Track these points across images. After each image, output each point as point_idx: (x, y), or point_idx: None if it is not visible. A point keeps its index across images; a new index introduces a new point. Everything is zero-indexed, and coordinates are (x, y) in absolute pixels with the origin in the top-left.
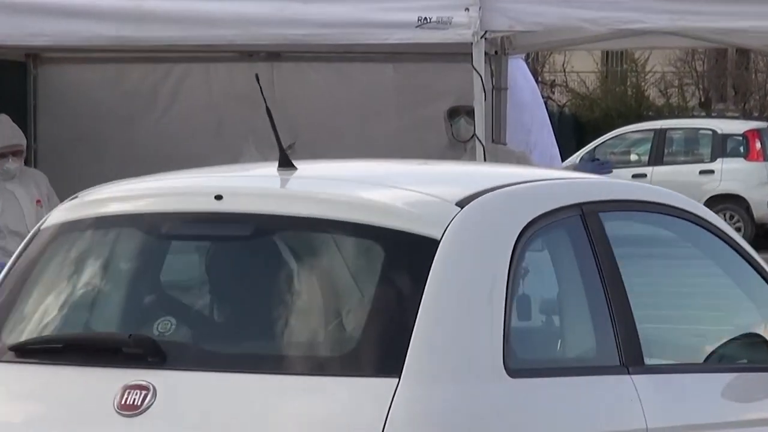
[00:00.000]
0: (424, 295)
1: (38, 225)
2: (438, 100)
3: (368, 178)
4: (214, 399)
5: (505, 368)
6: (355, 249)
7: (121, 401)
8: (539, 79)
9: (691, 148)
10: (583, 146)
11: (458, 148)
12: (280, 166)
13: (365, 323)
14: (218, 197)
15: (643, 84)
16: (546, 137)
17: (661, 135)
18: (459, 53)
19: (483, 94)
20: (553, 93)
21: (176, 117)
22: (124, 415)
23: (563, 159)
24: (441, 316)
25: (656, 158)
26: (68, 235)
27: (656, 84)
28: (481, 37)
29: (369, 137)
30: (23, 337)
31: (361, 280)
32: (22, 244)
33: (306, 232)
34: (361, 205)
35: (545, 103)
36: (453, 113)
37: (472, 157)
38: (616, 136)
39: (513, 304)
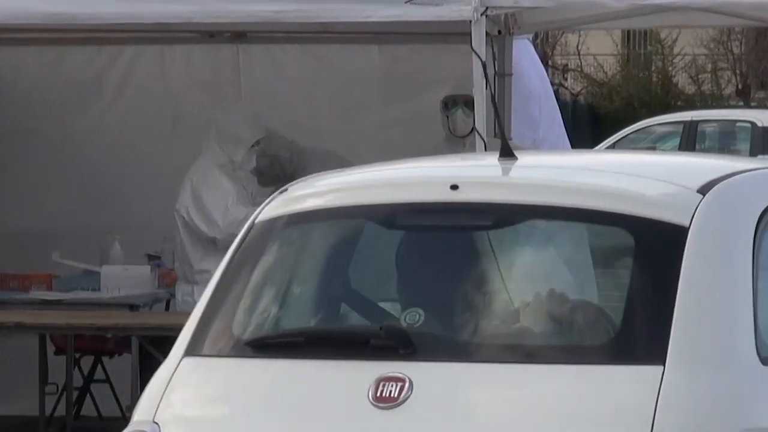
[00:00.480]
0: (680, 284)
1: (252, 218)
2: (431, 88)
3: (599, 167)
4: (472, 390)
5: (758, 356)
6: (604, 237)
7: (376, 393)
8: (549, 63)
9: (726, 144)
10: (601, 141)
11: (455, 144)
12: (501, 155)
13: (625, 312)
14: (454, 187)
15: (670, 69)
16: (556, 132)
17: (691, 128)
18: (456, 33)
19: (484, 81)
20: (566, 80)
21: (125, 108)
22: (381, 408)
23: None
24: (697, 303)
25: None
26: (290, 227)
27: (686, 69)
28: (482, 15)
29: (351, 132)
30: (258, 333)
31: (614, 269)
32: (238, 238)
33: (551, 221)
34: (608, 193)
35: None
36: (449, 104)
37: (473, 151)
38: (640, 129)
39: (758, 290)
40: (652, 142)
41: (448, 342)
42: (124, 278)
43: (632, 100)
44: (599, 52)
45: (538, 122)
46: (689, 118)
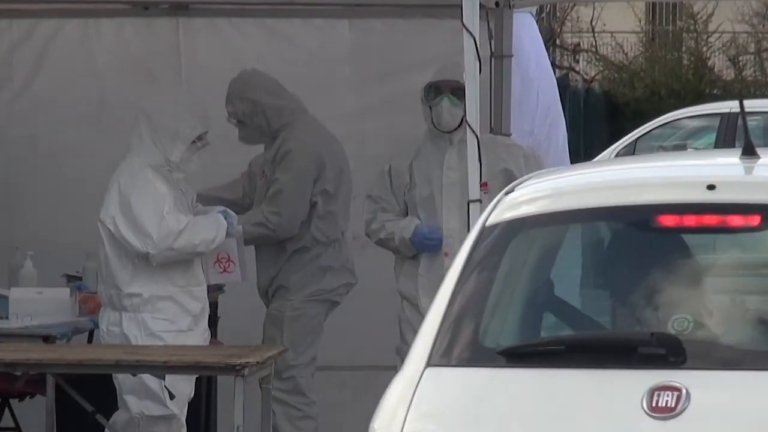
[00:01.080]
0: None
1: (481, 222)
2: (411, 72)
3: None
4: (754, 400)
5: None
6: None
7: (651, 403)
8: (557, 42)
9: None
10: (620, 137)
11: (439, 140)
12: (744, 154)
13: None
14: (711, 187)
15: (704, 50)
16: (556, 125)
17: (730, 122)
18: (442, 6)
19: (477, 63)
20: (577, 62)
21: (39, 95)
22: (657, 418)
23: (592, 154)
24: None
25: None
26: (529, 230)
27: (723, 49)
28: None
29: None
30: (511, 341)
31: None
32: (470, 243)
33: None
34: None
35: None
36: (433, 92)
37: (462, 153)
38: (667, 123)
39: None
40: (681, 139)
41: (722, 349)
42: (38, 303)
43: (658, 88)
44: (618, 28)
45: (534, 114)
46: (727, 110)
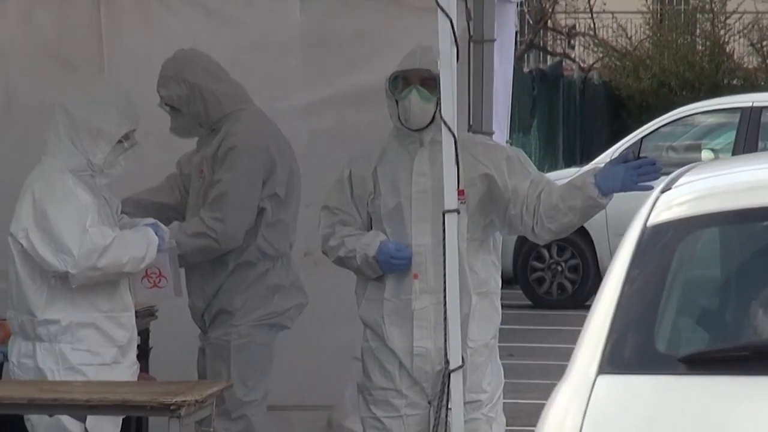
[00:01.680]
0: None
1: (641, 222)
2: (374, 61)
3: None
4: None
5: None
6: None
7: None
8: (549, 24)
9: None
10: (623, 136)
11: (408, 140)
12: None
13: None
14: None
15: (722, 33)
16: (502, 120)
17: (753, 117)
18: None
19: (454, 49)
20: (572, 48)
21: None
22: None
23: (590, 156)
24: None
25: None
26: (699, 230)
27: (745, 33)
28: None
29: None
30: (693, 347)
31: None
32: (631, 244)
33: None
34: None
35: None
36: (400, 82)
37: (435, 155)
38: (678, 119)
39: None
40: (695, 138)
41: None
42: None
43: (667, 78)
44: (621, 8)
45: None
46: (749, 103)
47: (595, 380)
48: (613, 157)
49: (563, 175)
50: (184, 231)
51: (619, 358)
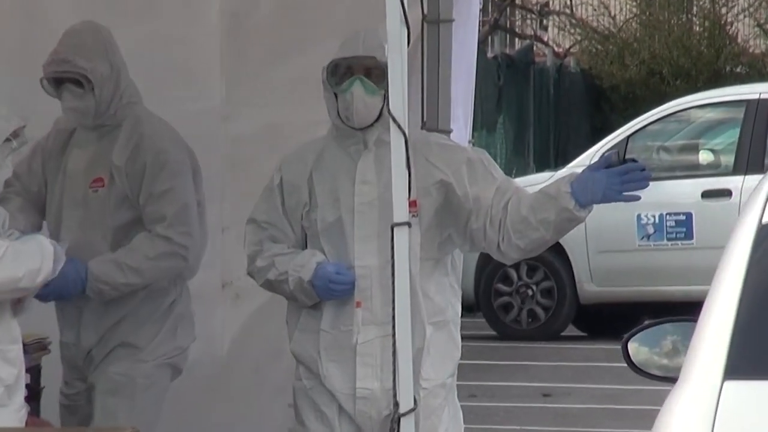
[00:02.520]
0: None
1: (756, 220)
2: (310, 47)
3: None
4: None
5: None
6: None
7: None
8: (517, 1)
9: None
10: (605, 134)
11: (350, 141)
12: None
13: None
14: None
15: (723, 12)
16: (463, 116)
17: (760, 111)
18: None
19: (404, 31)
20: (546, 29)
21: None
22: None
23: (567, 156)
24: None
25: (752, 157)
26: None
27: (750, 11)
28: None
29: (172, 121)
30: None
31: None
32: (747, 244)
33: None
34: None
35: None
36: (340, 72)
37: (382, 159)
38: (671, 114)
39: None
40: (690, 137)
41: None
42: None
43: (658, 66)
44: None
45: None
46: (755, 95)
47: (721, 387)
48: (593, 161)
49: (535, 181)
50: (145, 255)
51: (748, 364)
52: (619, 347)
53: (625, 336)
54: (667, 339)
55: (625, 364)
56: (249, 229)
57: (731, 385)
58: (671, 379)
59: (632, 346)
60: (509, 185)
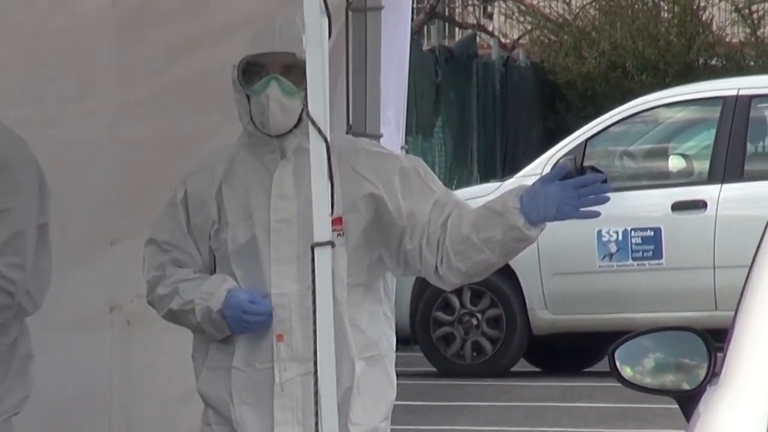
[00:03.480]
0: None
1: None
2: (217, 40)
3: None
4: None
5: None
6: None
7: None
8: None
9: None
10: (561, 137)
11: (265, 150)
12: None
13: None
14: None
15: None
16: (394, 118)
17: (739, 110)
18: None
19: (326, 22)
20: (490, 17)
21: None
22: None
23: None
24: None
25: (730, 164)
26: None
27: None
28: None
29: (59, 124)
30: None
31: None
32: None
33: None
34: None
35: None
36: (253, 71)
37: (302, 170)
38: (636, 113)
39: None
40: (658, 140)
41: None
42: None
43: (621, 57)
44: None
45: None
46: (733, 91)
47: None
48: (546, 170)
49: (479, 194)
50: None
51: None
52: (577, 385)
53: (611, 347)
54: (658, 350)
55: (584, 405)
56: (149, 251)
57: None
58: (666, 392)
59: (620, 356)
60: (449, 199)
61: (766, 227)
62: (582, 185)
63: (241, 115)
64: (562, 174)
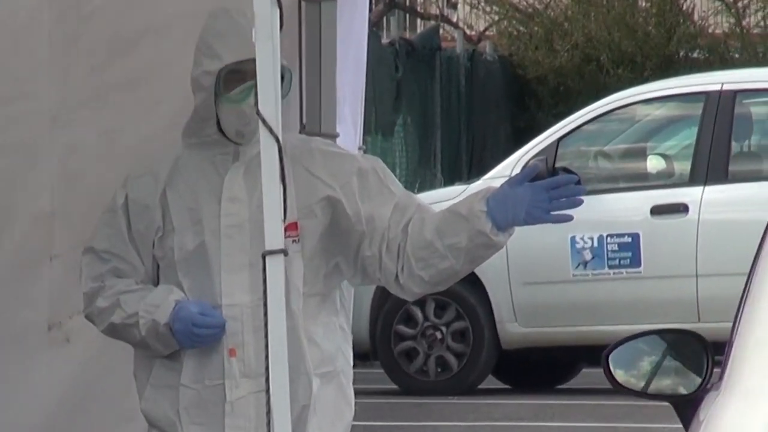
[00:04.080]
0: None
1: None
2: (157, 34)
3: None
4: None
5: None
6: None
7: None
8: None
9: None
10: (532, 136)
11: (218, 149)
12: None
13: None
14: None
15: None
16: (350, 116)
17: (722, 106)
18: None
19: (277, 12)
20: (454, 7)
21: None
22: None
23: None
24: None
25: (713, 164)
26: None
27: None
28: None
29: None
30: None
31: None
32: None
33: None
34: None
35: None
36: (228, 78)
37: (254, 172)
38: (612, 110)
39: None
40: (635, 139)
41: None
42: None
43: (596, 50)
44: None
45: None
46: (717, 86)
47: None
48: (515, 171)
49: (443, 197)
50: None
51: None
52: (550, 403)
53: (606, 350)
54: (653, 353)
55: (557, 425)
56: (86, 261)
57: None
58: (662, 397)
59: (614, 360)
60: (410, 201)
61: (766, 229)
62: (554, 187)
63: (203, 119)
64: (532, 175)
